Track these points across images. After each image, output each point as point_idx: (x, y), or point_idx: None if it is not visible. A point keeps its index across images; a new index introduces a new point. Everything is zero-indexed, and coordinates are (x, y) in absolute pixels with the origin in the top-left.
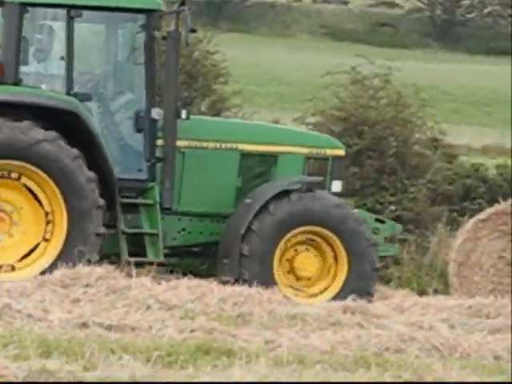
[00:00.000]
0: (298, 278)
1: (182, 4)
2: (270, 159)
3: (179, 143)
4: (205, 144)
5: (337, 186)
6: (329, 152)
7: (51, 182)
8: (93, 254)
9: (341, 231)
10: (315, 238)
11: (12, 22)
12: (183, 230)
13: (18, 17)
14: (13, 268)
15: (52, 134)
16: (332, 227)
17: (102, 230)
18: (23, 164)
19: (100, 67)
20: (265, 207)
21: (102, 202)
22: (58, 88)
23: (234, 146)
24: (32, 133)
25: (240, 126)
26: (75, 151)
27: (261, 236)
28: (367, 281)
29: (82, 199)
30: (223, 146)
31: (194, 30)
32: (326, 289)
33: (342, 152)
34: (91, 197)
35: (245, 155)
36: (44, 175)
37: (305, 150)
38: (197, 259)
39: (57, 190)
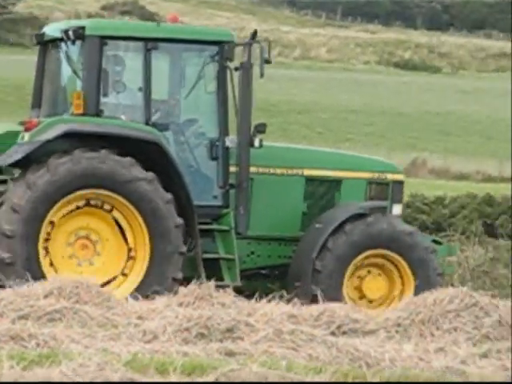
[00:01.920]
0: (362, 297)
1: (254, 36)
2: (334, 184)
3: None
4: (272, 170)
5: (397, 209)
6: (389, 177)
7: (141, 221)
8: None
9: (411, 258)
10: (385, 261)
11: (93, 55)
12: (252, 253)
13: (99, 50)
14: None
15: (150, 174)
16: (403, 253)
17: (180, 275)
18: (119, 198)
19: (174, 97)
20: (339, 228)
21: (184, 248)
22: (137, 118)
23: (300, 171)
24: (133, 170)
25: (305, 152)
26: (169, 195)
27: (335, 254)
28: (434, 287)
29: (166, 243)
30: (289, 171)
31: (268, 62)
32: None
33: (401, 177)
34: (176, 243)
35: (310, 180)
36: (136, 213)
37: (367, 175)
38: (265, 282)
39: (145, 230)
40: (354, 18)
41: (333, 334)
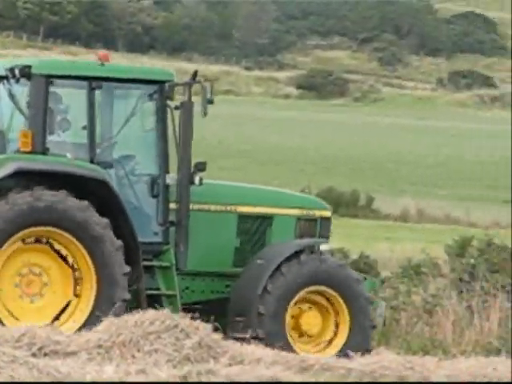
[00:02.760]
0: (301, 335)
1: (195, 76)
2: (266, 220)
3: None
4: (206, 207)
5: (325, 245)
6: (317, 213)
7: (82, 250)
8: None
9: (344, 291)
10: (317, 297)
11: (39, 93)
12: (187, 288)
13: (45, 88)
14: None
15: (84, 203)
16: (336, 287)
17: (128, 296)
18: (56, 230)
19: (116, 135)
20: (277, 268)
21: (128, 268)
22: (82, 156)
23: (233, 208)
24: (68, 202)
25: (238, 189)
26: (105, 220)
27: (275, 296)
28: (366, 337)
29: (110, 267)
30: (223, 208)
31: (211, 102)
32: (330, 343)
33: (328, 213)
34: (118, 264)
35: (242, 217)
36: (76, 242)
37: (296, 212)
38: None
39: (88, 257)
40: (55, 39)
41: (34, 355)
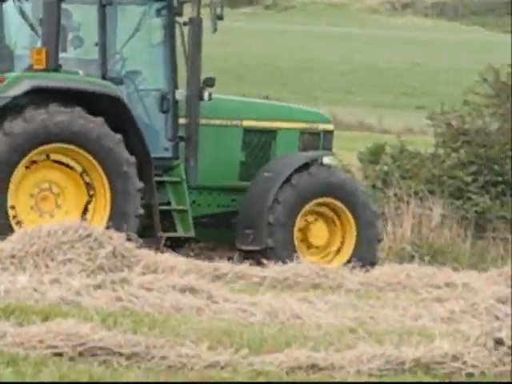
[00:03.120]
0: (308, 246)
1: None
2: (271, 134)
3: None
4: (212, 121)
5: (327, 159)
6: (320, 127)
7: (97, 165)
8: (132, 234)
9: (352, 203)
10: (324, 209)
11: (51, 10)
12: (193, 202)
13: (57, 5)
14: None
15: (99, 119)
16: (344, 199)
17: (141, 211)
18: (71, 147)
19: (126, 51)
20: (286, 181)
21: (140, 184)
22: (94, 73)
23: (239, 122)
24: (83, 118)
25: (243, 103)
26: (118, 136)
27: (285, 206)
28: (373, 249)
29: (123, 182)
30: (229, 123)
31: (221, 18)
32: (337, 254)
33: (331, 127)
34: (132, 180)
35: (248, 131)
36: (91, 158)
37: (300, 125)
38: (205, 230)
39: (102, 173)
40: None
41: None
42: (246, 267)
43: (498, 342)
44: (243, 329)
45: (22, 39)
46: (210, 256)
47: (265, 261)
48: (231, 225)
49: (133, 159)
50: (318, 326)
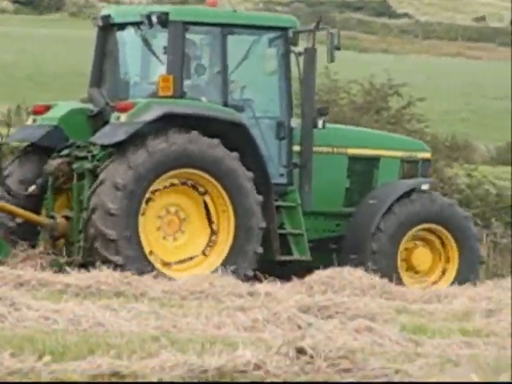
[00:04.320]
0: (412, 271)
1: (319, 23)
2: (374, 162)
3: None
4: (320, 149)
5: (426, 185)
6: (419, 155)
7: (226, 197)
8: (249, 270)
9: (453, 228)
10: (428, 234)
11: (176, 40)
12: None
13: (182, 35)
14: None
15: (234, 154)
16: (446, 224)
17: (260, 249)
18: (205, 175)
19: (245, 79)
20: (389, 208)
21: (264, 223)
22: (216, 100)
23: (344, 150)
24: (218, 149)
25: (348, 131)
26: (250, 174)
27: (387, 234)
28: (476, 273)
29: (249, 219)
30: (335, 150)
31: (338, 48)
32: (440, 279)
33: (429, 155)
34: (257, 218)
35: (353, 159)
36: (221, 189)
37: (401, 154)
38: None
39: (230, 207)
40: None
41: None
42: (49, 274)
43: (300, 351)
44: (46, 336)
45: (137, 68)
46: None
47: None
48: (332, 249)
49: (260, 198)
50: (121, 334)
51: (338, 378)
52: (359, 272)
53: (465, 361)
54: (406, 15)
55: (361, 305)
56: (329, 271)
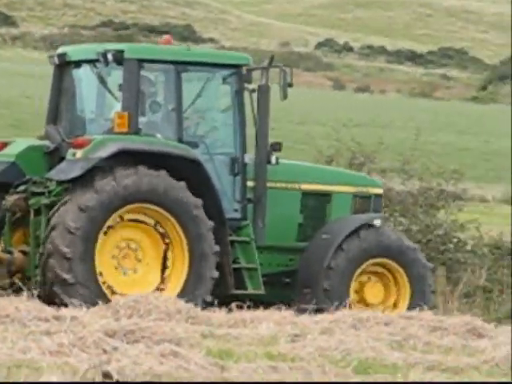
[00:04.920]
0: (365, 304)
1: (271, 61)
2: (326, 197)
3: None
4: (273, 184)
5: (378, 221)
6: (371, 190)
7: (178, 227)
8: (207, 296)
9: (402, 260)
10: (378, 268)
11: (131, 77)
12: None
13: (137, 72)
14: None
15: (182, 183)
16: (394, 257)
17: (216, 274)
18: (155, 207)
19: (199, 116)
20: (352, 234)
21: (217, 248)
22: (171, 136)
23: (297, 186)
24: (168, 181)
25: (301, 167)
26: (200, 201)
27: (338, 272)
28: (428, 302)
29: (202, 245)
30: (288, 186)
31: (291, 85)
32: (394, 309)
33: (381, 191)
34: (210, 244)
35: (306, 194)
36: (173, 220)
37: (353, 189)
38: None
39: (182, 235)
40: None
41: None
42: None
43: (106, 376)
44: None
45: (92, 104)
46: None
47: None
48: (285, 283)
49: (211, 224)
50: None
51: None
52: (164, 296)
53: None
54: (211, 40)
55: (167, 329)
56: (134, 295)
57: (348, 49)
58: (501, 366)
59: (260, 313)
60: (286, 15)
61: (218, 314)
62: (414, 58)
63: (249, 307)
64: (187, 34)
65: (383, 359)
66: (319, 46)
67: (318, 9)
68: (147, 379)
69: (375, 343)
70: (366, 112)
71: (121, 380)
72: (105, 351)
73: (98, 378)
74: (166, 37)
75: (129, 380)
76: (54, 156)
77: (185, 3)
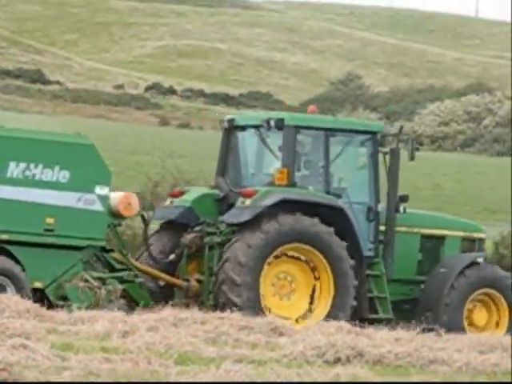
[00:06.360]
0: (471, 325)
1: (401, 129)
2: (440, 240)
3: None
4: (400, 229)
5: (481, 259)
6: (475, 235)
7: (327, 265)
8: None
9: (504, 291)
10: (484, 297)
11: (290, 140)
12: None
13: (294, 136)
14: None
15: (331, 229)
16: (502, 291)
17: (355, 302)
18: (308, 248)
19: (342, 172)
20: (460, 273)
21: (356, 282)
22: (320, 188)
23: (418, 230)
24: (319, 226)
25: (422, 216)
26: (344, 243)
27: (459, 291)
28: None
29: (345, 280)
30: (411, 230)
31: (417, 149)
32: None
33: (484, 235)
34: (351, 278)
35: (424, 237)
36: (322, 258)
37: (462, 233)
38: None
39: (329, 272)
40: None
41: None
42: None
43: None
44: None
45: (253, 161)
46: None
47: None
48: (404, 309)
49: (353, 262)
50: None
51: None
52: (16, 298)
53: (105, 374)
54: (57, 82)
55: (17, 325)
56: None
57: (172, 91)
58: (298, 359)
59: (96, 313)
60: (120, 62)
61: (61, 314)
62: (227, 99)
63: None
64: (37, 77)
65: (200, 353)
66: (148, 88)
67: (147, 57)
68: (0, 367)
69: (193, 339)
70: (187, 145)
71: None
72: None
73: None
74: (311, 107)
75: None
76: (223, 203)
77: (35, 51)
